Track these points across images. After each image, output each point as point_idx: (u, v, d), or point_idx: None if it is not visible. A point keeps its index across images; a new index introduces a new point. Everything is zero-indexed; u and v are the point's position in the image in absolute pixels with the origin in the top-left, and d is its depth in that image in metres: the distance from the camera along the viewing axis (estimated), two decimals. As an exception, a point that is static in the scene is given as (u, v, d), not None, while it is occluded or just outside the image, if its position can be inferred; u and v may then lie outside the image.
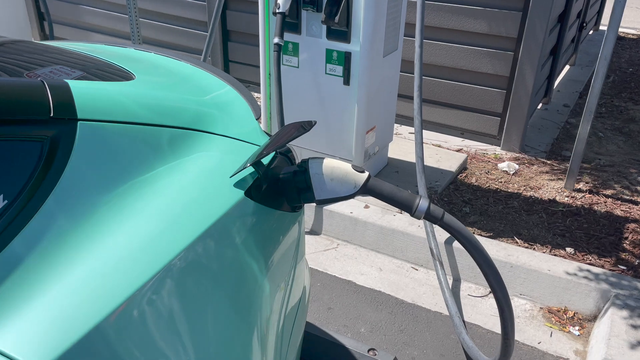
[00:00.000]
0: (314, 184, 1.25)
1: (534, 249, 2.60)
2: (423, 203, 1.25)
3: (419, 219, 1.28)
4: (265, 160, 1.28)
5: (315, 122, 1.34)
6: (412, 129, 3.99)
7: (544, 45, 3.45)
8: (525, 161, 3.56)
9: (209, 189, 1.12)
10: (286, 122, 3.03)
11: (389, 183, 1.30)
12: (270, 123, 3.07)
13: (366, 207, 2.82)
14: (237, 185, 1.17)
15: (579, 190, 3.14)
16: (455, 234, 1.27)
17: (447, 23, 3.64)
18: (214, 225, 1.06)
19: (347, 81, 2.73)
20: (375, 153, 3.03)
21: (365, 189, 1.26)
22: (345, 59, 2.69)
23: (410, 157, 3.38)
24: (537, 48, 3.42)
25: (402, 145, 3.56)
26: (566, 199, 3.04)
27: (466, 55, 3.67)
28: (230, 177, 1.17)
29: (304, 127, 1.30)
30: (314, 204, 1.22)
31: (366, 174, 1.26)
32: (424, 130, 3.99)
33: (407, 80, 3.89)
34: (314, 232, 2.88)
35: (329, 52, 2.73)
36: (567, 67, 5.49)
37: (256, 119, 1.46)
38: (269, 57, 2.92)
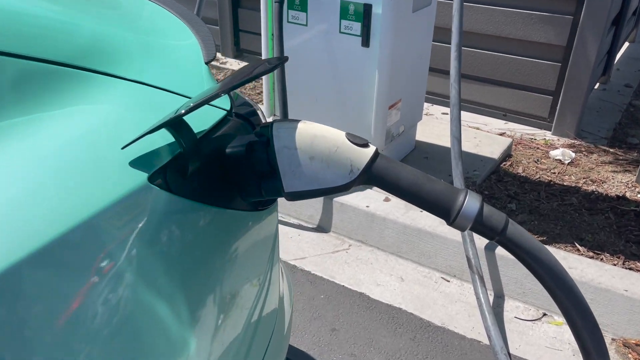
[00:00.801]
0: (281, 165, 0.72)
1: (602, 259, 2.01)
2: (471, 203, 0.71)
3: (462, 229, 0.74)
4: (199, 124, 0.76)
5: (287, 59, 0.80)
6: (445, 109, 3.41)
7: (612, 7, 2.82)
8: (583, 149, 2.95)
9: (73, 171, 0.60)
10: (290, 93, 2.50)
11: (413, 168, 0.76)
12: (273, 95, 2.54)
13: (386, 200, 2.27)
14: (136, 164, 0.65)
15: (655, 186, 2.53)
16: (527, 259, 0.73)
17: (491, -19, 3.04)
18: (66, 236, 0.55)
19: (366, 42, 2.18)
20: (400, 134, 2.47)
21: (370, 176, 0.72)
22: (364, 14, 2.13)
23: (444, 141, 2.81)
24: (603, 10, 2.80)
25: (433, 127, 2.99)
26: (639, 196, 2.44)
27: (513, 20, 3.06)
28: (123, 148, 0.65)
29: (269, 62, 0.77)
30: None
31: (371, 149, 0.73)
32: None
33: (441, 51, 3.30)
34: (320, 228, 2.35)
35: (344, 6, 2.17)
36: (625, 44, 4.80)
37: (207, 62, 0.94)
38: (271, 13, 2.39)
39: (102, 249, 0.58)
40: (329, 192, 0.72)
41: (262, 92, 3.55)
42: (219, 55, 4.28)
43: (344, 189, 0.73)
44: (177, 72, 0.88)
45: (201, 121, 0.77)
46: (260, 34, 4.09)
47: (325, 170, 0.71)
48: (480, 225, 0.71)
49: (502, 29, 3.11)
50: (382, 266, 2.14)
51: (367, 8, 2.11)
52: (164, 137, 0.70)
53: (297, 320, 1.87)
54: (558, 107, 3.10)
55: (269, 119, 2.71)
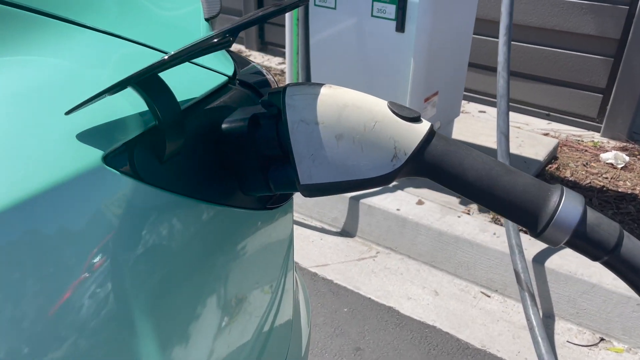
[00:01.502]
0: (295, 147, 0.51)
1: (668, 277, 1.75)
2: (570, 206, 0.49)
3: (554, 244, 0.52)
4: (189, 91, 0.55)
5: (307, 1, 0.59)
6: (483, 107, 3.16)
7: (674, -5, 2.54)
8: (637, 152, 2.67)
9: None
10: (313, 81, 2.29)
11: (484, 154, 0.54)
12: (296, 63, 2.34)
13: (420, 202, 2.04)
14: (86, 137, 0.45)
15: None
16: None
17: (538, -33, 2.78)
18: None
19: (401, 26, 1.96)
20: (437, 130, 2.24)
21: (422, 165, 0.51)
22: (400, -6, 1.91)
23: (482, 140, 2.57)
24: (664, -1, 2.52)
25: (470, 125, 2.75)
26: None
27: (561, 10, 2.80)
28: (67, 113, 0.44)
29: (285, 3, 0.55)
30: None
31: (425, 124, 0.51)
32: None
33: (480, 45, 3.05)
34: (345, 232, 2.13)
35: (377, -15, 1.96)
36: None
37: (208, 19, 0.73)
38: (297, -4, 2.18)
39: (20, 252, 0.38)
40: (363, 185, 0.51)
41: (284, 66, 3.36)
42: (242, 48, 4.10)
43: (385, 182, 0.51)
44: (167, 28, 0.68)
45: (192, 87, 0.57)
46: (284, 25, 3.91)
47: (359, 155, 0.50)
48: (582, 239, 0.49)
49: (548, 20, 2.85)
50: (414, 277, 1.91)
51: (404, -12, 1.89)
52: (135, 105, 0.49)
53: (316, 336, 1.66)
54: (609, 107, 2.82)
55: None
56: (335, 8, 2.10)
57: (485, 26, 2.99)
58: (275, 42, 4.01)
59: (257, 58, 3.96)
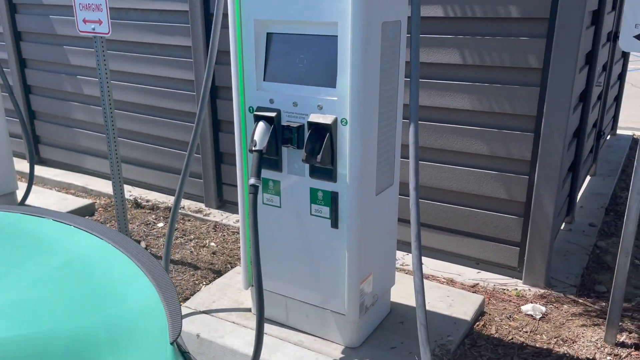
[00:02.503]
0: None
1: None
2: None
3: None
4: None
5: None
6: (425, 259, 3.53)
7: (562, 166, 3.07)
8: (553, 299, 3.05)
9: None
10: (264, 273, 2.62)
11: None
12: (249, 274, 2.66)
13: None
14: None
15: (623, 345, 2.60)
16: None
17: (451, 145, 3.31)
18: None
19: (335, 224, 2.34)
20: (374, 304, 2.57)
21: None
22: (331, 200, 2.32)
23: (417, 300, 2.90)
24: (554, 171, 3.04)
25: (408, 285, 3.09)
26: (608, 358, 2.50)
27: (475, 178, 3.30)
28: None
29: None
30: None
31: None
32: (434, 260, 3.54)
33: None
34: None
35: (313, 192, 2.37)
36: (587, 178, 5.09)
37: (172, 342, 1.04)
38: (247, 195, 2.57)
39: None
40: None
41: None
42: (202, 206, 4.46)
43: None
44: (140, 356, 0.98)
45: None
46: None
47: None
48: None
49: (466, 186, 3.34)
50: None
51: (334, 195, 2.30)
52: None
53: None
54: (525, 258, 3.24)
55: (247, 290, 2.77)
56: (280, 207, 2.48)
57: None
58: (232, 200, 4.39)
59: (217, 216, 4.30)
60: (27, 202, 4.39)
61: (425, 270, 3.43)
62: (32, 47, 5.09)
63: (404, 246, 3.64)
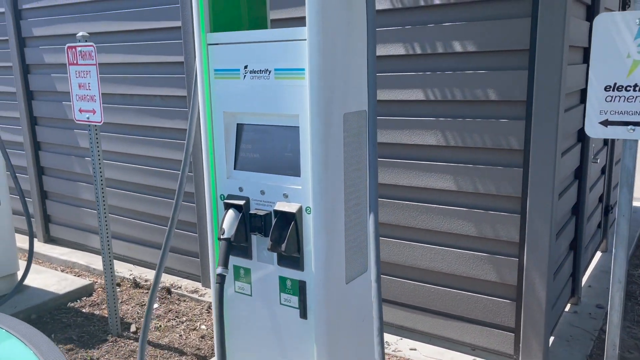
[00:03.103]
0: None
1: None
2: None
3: None
4: None
5: None
6: (415, 344, 3.40)
7: (552, 249, 2.98)
8: (551, 391, 2.86)
9: None
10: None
11: None
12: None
13: None
14: None
15: None
16: None
17: (439, 225, 3.26)
18: None
19: (303, 314, 2.29)
20: (349, 397, 2.45)
21: None
22: (299, 289, 2.28)
23: (402, 392, 2.76)
24: (543, 254, 2.95)
25: (394, 373, 2.96)
26: None
27: (465, 260, 3.22)
28: None
29: None
30: None
31: None
32: (428, 345, 3.40)
33: (401, 285, 3.41)
34: None
35: (282, 280, 2.33)
36: (598, 254, 4.91)
37: None
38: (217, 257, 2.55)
39: None
40: None
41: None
42: (199, 286, 4.43)
43: None
44: None
45: None
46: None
47: None
48: None
49: (456, 268, 3.25)
50: None
51: (302, 284, 2.26)
52: None
53: None
54: (521, 345, 3.09)
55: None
56: (251, 295, 2.45)
57: (403, 269, 3.38)
58: (228, 281, 4.35)
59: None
60: (28, 282, 4.45)
61: (418, 356, 3.29)
62: (45, 131, 5.34)
63: (399, 330, 3.52)
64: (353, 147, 2.28)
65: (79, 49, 3.23)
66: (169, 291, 4.36)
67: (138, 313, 4.04)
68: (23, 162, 5.63)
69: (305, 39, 2.04)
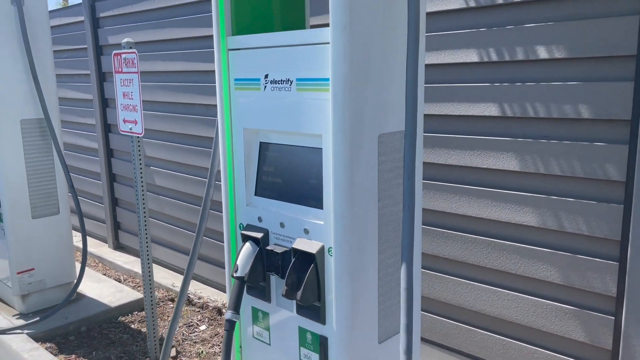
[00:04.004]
0: None
1: None
2: None
3: None
4: None
5: None
6: (477, 406, 2.86)
7: (662, 309, 2.33)
8: None
9: None
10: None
11: None
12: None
13: None
14: None
15: None
16: None
17: (514, 267, 2.71)
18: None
19: (325, 375, 1.89)
20: None
21: None
22: (320, 345, 1.87)
23: None
24: (649, 315, 2.31)
25: None
26: None
27: (545, 311, 2.64)
28: None
29: None
30: None
31: None
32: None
33: (468, 333, 2.89)
34: None
35: (302, 332, 1.94)
36: None
37: None
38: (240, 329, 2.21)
39: None
40: None
41: None
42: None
43: None
44: None
45: None
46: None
47: None
48: None
49: (533, 319, 2.68)
50: None
51: (324, 340, 1.86)
52: None
53: None
54: None
55: None
56: (270, 344, 2.08)
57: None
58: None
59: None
60: (86, 291, 4.41)
61: (482, 421, 2.75)
62: (117, 138, 5.35)
63: (460, 385, 3.00)
64: (392, 176, 1.84)
65: (123, 56, 3.06)
66: (219, 312, 4.12)
67: (184, 335, 3.83)
68: (97, 169, 5.71)
69: (329, 42, 1.64)
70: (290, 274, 1.83)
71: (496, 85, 2.64)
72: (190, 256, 2.51)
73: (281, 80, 1.84)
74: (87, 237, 6.02)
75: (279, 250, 1.91)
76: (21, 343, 3.60)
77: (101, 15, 5.18)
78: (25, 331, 3.76)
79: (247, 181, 2.04)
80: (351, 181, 1.70)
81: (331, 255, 1.78)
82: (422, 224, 2.94)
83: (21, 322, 3.89)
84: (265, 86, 1.89)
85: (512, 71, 2.60)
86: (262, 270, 1.99)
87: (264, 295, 2.04)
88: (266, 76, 1.88)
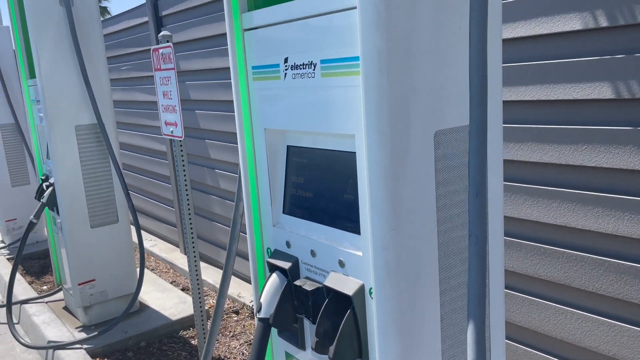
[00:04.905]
0: None
1: None
2: None
3: None
4: None
5: None
6: None
7: None
8: None
9: None
10: None
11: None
12: None
13: None
14: None
15: None
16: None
17: (635, 296, 2.07)
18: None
19: None
20: None
21: None
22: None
23: None
24: None
25: None
26: None
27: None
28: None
29: None
30: None
31: None
32: None
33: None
34: None
35: (340, 392, 1.49)
36: None
37: None
38: None
39: None
40: None
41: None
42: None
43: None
44: None
45: None
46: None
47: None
48: None
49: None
50: None
51: (368, 407, 1.39)
52: None
53: None
54: None
55: None
56: (306, 400, 1.65)
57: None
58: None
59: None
60: (149, 301, 4.23)
61: None
62: (186, 141, 5.16)
63: None
64: (458, 189, 1.33)
65: (160, 51, 2.76)
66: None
67: (244, 354, 3.50)
68: (166, 172, 5.58)
69: (356, 7, 1.17)
70: (322, 321, 1.38)
71: (606, 58, 2.02)
72: (222, 279, 2.14)
73: (303, 64, 1.39)
74: (160, 242, 5.93)
75: (308, 287, 1.47)
76: None
77: (164, 13, 4.99)
78: (85, 346, 3.61)
79: (273, 195, 1.62)
80: (395, 198, 1.21)
81: (372, 299, 1.31)
82: (509, 236, 2.37)
83: (83, 335, 3.76)
84: (285, 73, 1.45)
85: (630, 39, 1.96)
86: (292, 310, 1.56)
87: (296, 340, 1.61)
88: (286, 60, 1.44)
